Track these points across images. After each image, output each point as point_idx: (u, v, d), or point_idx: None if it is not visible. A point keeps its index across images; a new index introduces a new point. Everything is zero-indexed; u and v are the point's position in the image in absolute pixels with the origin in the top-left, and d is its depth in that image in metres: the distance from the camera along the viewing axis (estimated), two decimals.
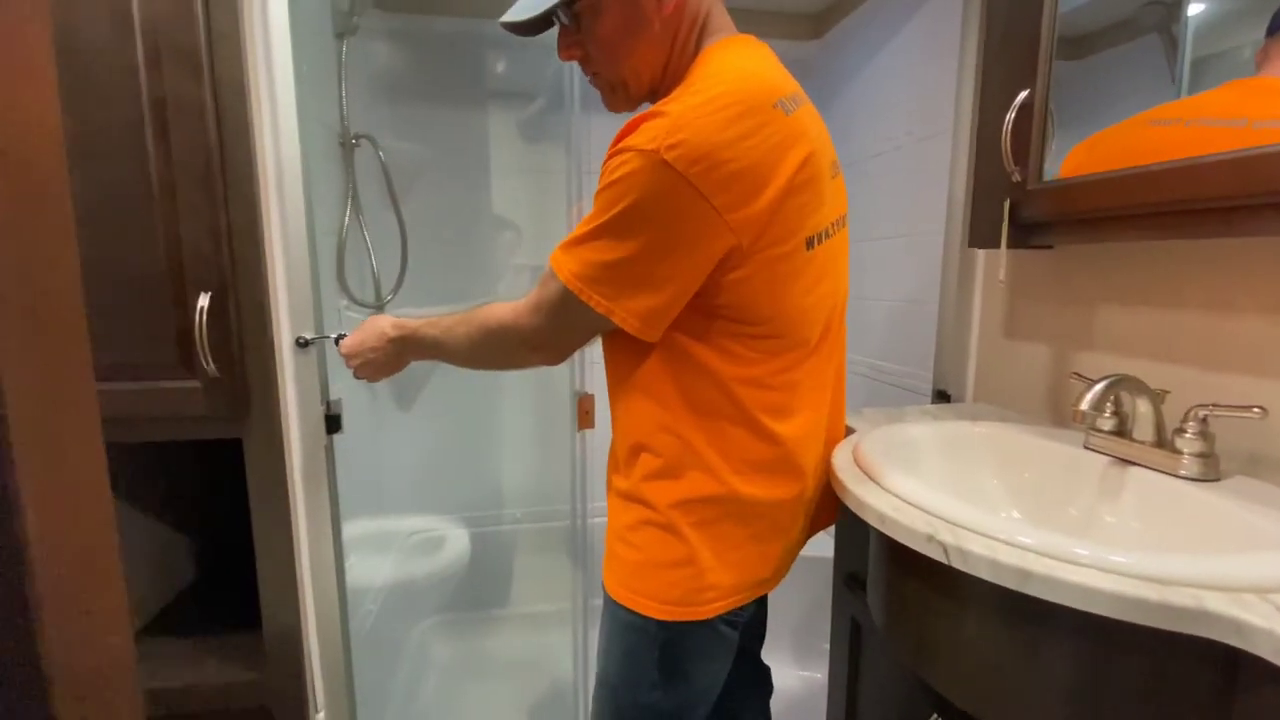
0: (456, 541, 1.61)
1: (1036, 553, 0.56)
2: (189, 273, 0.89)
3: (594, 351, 1.61)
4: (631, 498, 0.75)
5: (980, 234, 0.99)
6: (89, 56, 0.82)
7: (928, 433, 0.93)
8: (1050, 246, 0.97)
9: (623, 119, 0.67)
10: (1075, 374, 0.85)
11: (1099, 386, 0.75)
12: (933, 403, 1.28)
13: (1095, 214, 0.79)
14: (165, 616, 1.17)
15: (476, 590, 1.69)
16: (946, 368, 1.24)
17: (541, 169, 1.67)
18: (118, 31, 0.82)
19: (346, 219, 1.33)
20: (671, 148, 0.59)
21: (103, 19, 0.81)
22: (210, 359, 0.89)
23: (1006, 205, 0.89)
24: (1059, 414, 1.00)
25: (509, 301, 0.74)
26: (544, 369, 0.79)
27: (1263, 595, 0.50)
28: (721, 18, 0.72)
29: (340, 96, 1.33)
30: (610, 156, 0.65)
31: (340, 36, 1.31)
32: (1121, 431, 0.79)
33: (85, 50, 0.82)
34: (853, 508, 0.74)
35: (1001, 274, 0.91)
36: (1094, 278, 0.93)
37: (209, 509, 1.31)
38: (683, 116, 0.60)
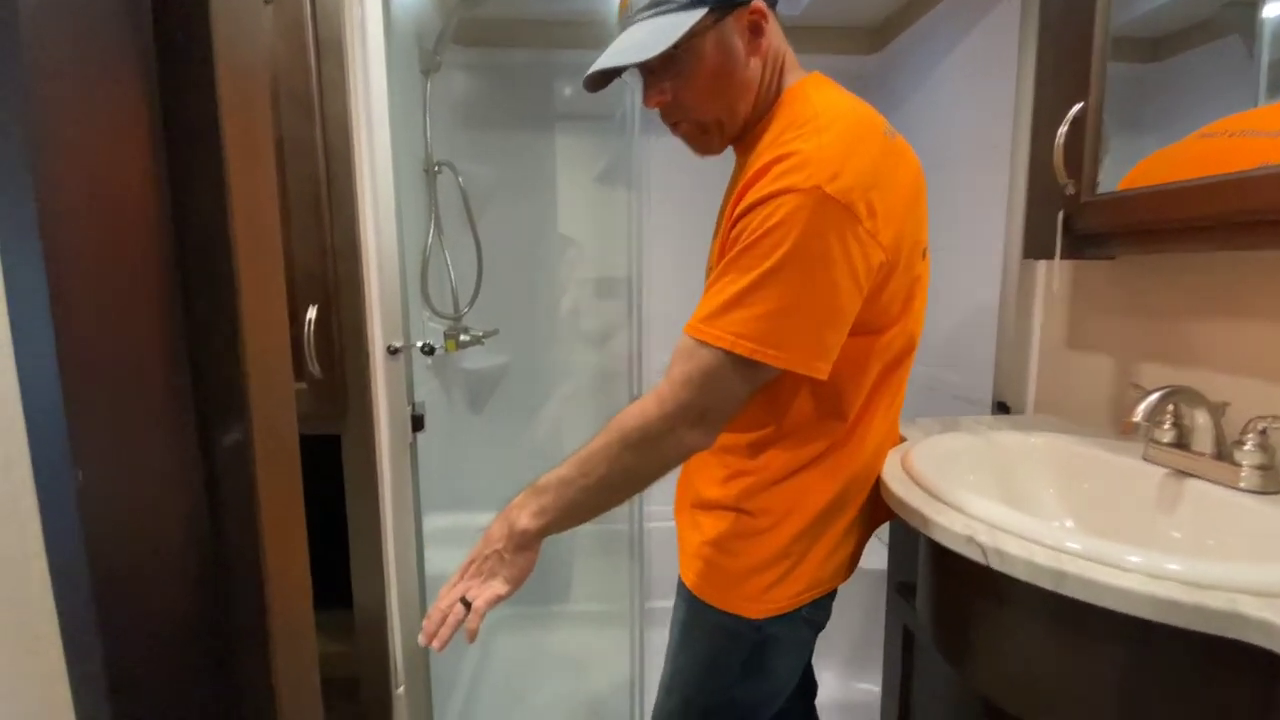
0: None
1: (1072, 554, 0.58)
2: (300, 288, 1.02)
3: (651, 359, 1.68)
4: (732, 507, 0.79)
5: (1036, 245, 1.00)
6: None
7: (979, 443, 0.94)
8: (1112, 257, 0.97)
9: (676, 150, 0.74)
10: (1134, 384, 0.85)
11: (1152, 398, 0.75)
12: (992, 414, 1.27)
13: (1151, 225, 0.79)
14: None
15: (539, 586, 1.78)
16: (1006, 379, 1.23)
17: (603, 188, 1.76)
18: None
19: (429, 239, 1.46)
20: (832, 179, 0.62)
21: None
22: (316, 363, 1.02)
23: (1060, 217, 0.90)
24: (1121, 424, 0.98)
25: (629, 407, 0.69)
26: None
27: None
28: (794, 59, 0.78)
29: (425, 128, 1.47)
30: (752, 208, 0.65)
31: (425, 73, 1.45)
32: (1180, 443, 0.78)
33: None
34: (896, 510, 0.77)
35: (1055, 284, 0.92)
36: (1157, 287, 0.92)
37: (308, 498, 1.45)
38: (824, 151, 0.63)
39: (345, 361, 1.06)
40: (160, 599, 0.24)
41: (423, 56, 1.45)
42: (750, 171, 0.67)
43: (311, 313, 1.01)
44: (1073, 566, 0.56)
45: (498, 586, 0.70)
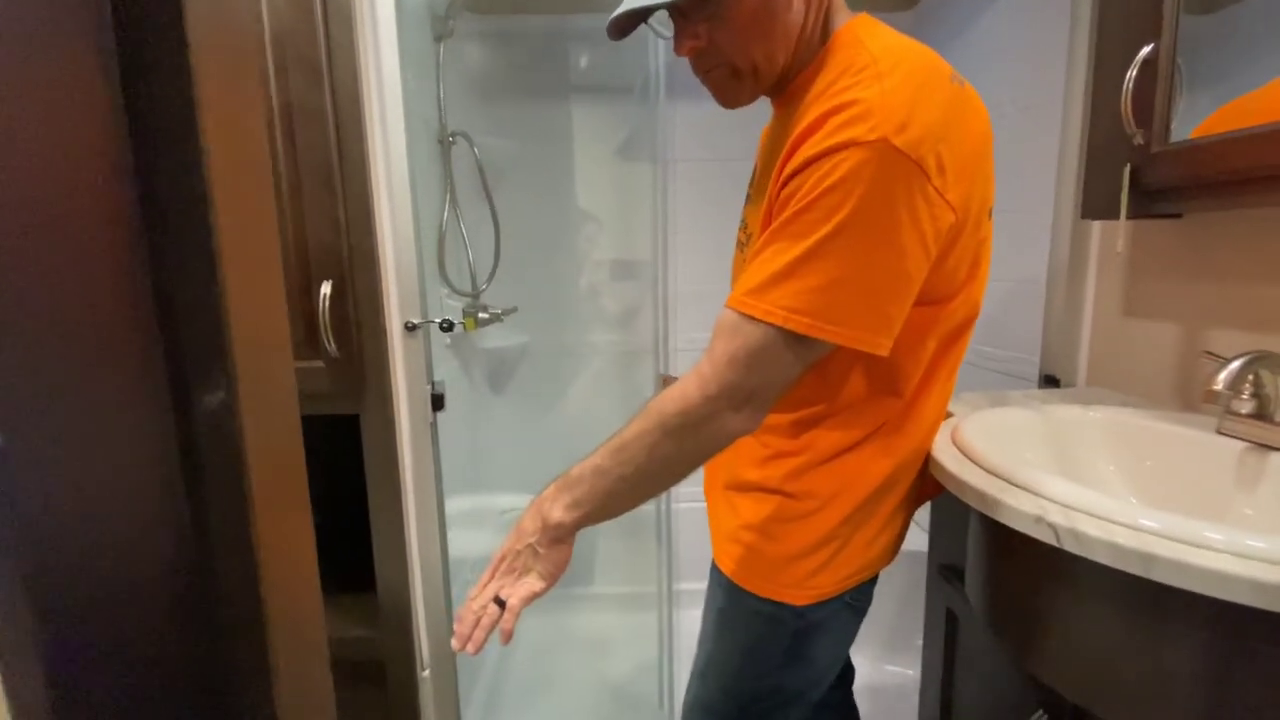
0: None
1: (1159, 535, 0.53)
2: (314, 263, 0.98)
3: (677, 338, 1.63)
4: (774, 490, 0.74)
5: (1095, 204, 0.92)
6: None
7: (1034, 417, 0.88)
8: (1178, 215, 0.89)
9: (711, 111, 0.67)
10: (1208, 353, 0.78)
11: (1235, 364, 0.69)
12: (1040, 388, 1.20)
13: (1231, 177, 0.72)
14: None
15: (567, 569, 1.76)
16: (1055, 351, 1.17)
17: (625, 160, 1.70)
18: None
19: (445, 213, 1.41)
20: (900, 130, 0.55)
21: None
22: (332, 341, 0.98)
23: (1127, 171, 0.83)
24: (1187, 398, 0.92)
25: (668, 388, 0.63)
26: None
27: None
28: None
29: (438, 96, 1.41)
30: (808, 165, 0.58)
31: (438, 40, 1.39)
32: (1262, 415, 0.72)
33: None
34: (952, 489, 0.72)
35: (1120, 244, 0.85)
36: (1230, 247, 0.85)
37: (329, 480, 1.43)
38: (890, 99, 0.56)
39: (362, 339, 1.03)
40: (119, 592, 0.20)
41: (434, 22, 1.39)
42: (802, 124, 0.60)
43: (326, 288, 0.97)
44: (1162, 549, 0.51)
45: (533, 583, 0.66)
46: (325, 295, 0.97)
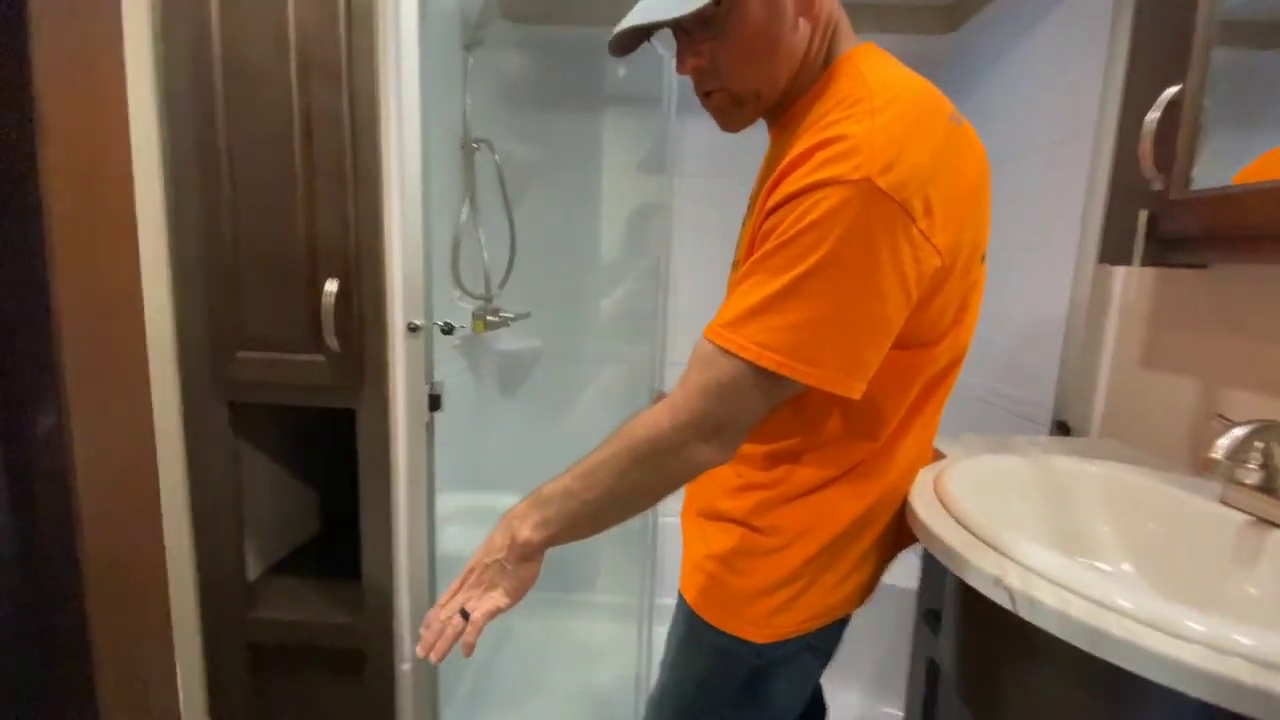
0: None
1: (1118, 612, 0.50)
2: (322, 260, 1.02)
3: (674, 352, 1.62)
4: (741, 522, 0.73)
5: (1113, 248, 0.88)
6: (254, 72, 0.96)
7: (1028, 467, 0.84)
8: (1204, 265, 0.84)
9: (718, 136, 0.66)
10: (1219, 416, 0.73)
11: (1239, 432, 0.65)
12: (1050, 434, 1.15)
13: (1250, 232, 0.67)
14: (290, 560, 1.35)
15: (553, 573, 1.77)
16: (1069, 396, 1.11)
17: (645, 173, 1.70)
18: (277, 50, 0.95)
19: (464, 216, 1.44)
20: (885, 171, 0.53)
21: (267, 38, 0.95)
22: (334, 337, 1.01)
23: (1143, 217, 0.78)
24: (1200, 459, 0.86)
25: (639, 414, 0.63)
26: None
27: None
28: (847, 25, 0.68)
29: (464, 103, 1.45)
30: (790, 200, 0.57)
31: (468, 48, 1.42)
32: (1268, 487, 0.67)
33: (251, 68, 0.96)
34: (922, 539, 0.69)
35: (1132, 294, 0.80)
36: (1256, 304, 0.79)
37: (336, 472, 1.48)
38: (878, 136, 0.55)
39: (364, 337, 1.06)
40: None
41: (465, 30, 1.43)
42: (790, 155, 0.58)
43: (331, 286, 1.01)
44: (1117, 627, 0.48)
45: (498, 598, 0.66)
46: (331, 292, 1.00)
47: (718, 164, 1.70)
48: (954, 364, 0.73)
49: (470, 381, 1.66)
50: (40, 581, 0.21)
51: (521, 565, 0.66)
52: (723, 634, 0.73)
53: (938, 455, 0.93)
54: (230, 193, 1.00)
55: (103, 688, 0.22)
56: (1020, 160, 1.38)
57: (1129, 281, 1.01)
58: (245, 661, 1.17)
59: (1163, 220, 0.77)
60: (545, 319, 1.70)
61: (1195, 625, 0.46)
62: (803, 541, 0.71)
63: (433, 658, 0.66)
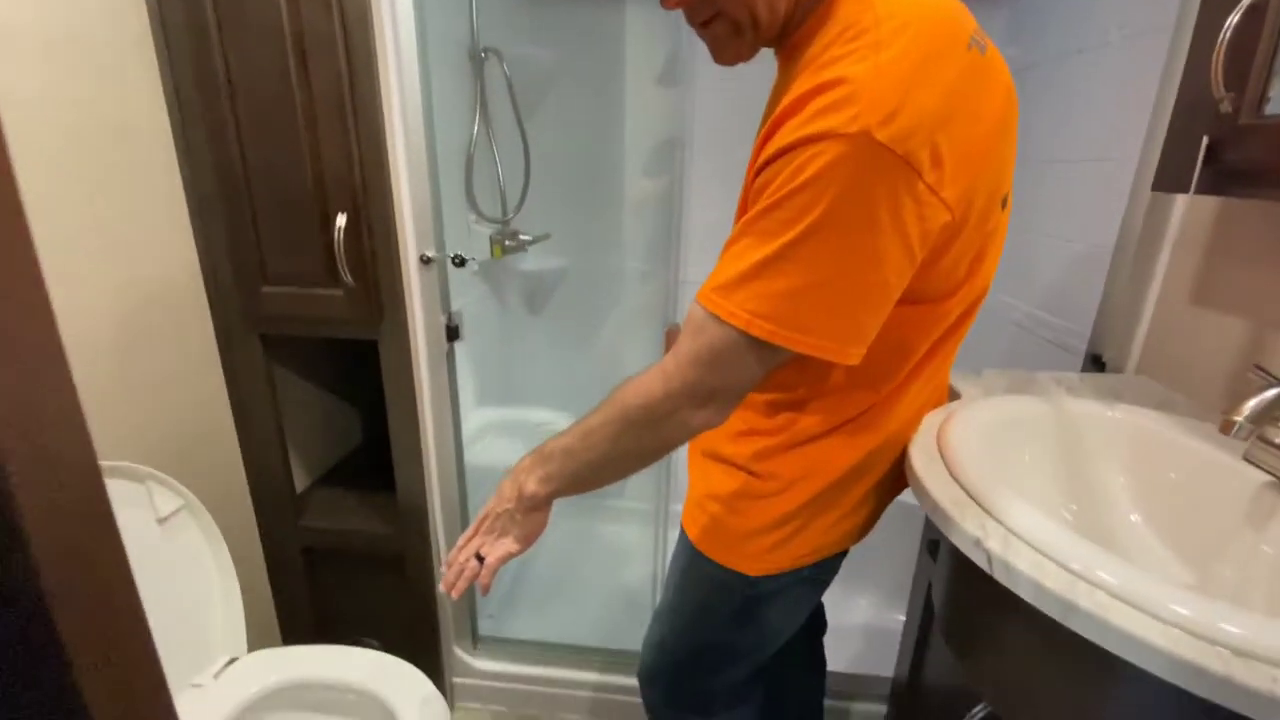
0: None
1: (1094, 584, 0.49)
2: (330, 193, 1.01)
3: (689, 270, 1.57)
4: (740, 466, 0.74)
5: (1168, 174, 0.79)
6: None
7: (1045, 411, 0.81)
8: (1272, 199, 0.75)
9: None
10: (1257, 367, 0.68)
11: (1270, 394, 0.60)
12: (1083, 369, 1.10)
13: None
14: (335, 471, 1.45)
15: None
16: (1108, 329, 1.05)
17: (663, 83, 1.58)
18: None
19: (475, 132, 1.39)
20: (885, 122, 0.48)
21: None
22: (348, 272, 1.03)
23: (1204, 143, 0.69)
24: (1222, 418, 0.81)
25: (633, 378, 0.62)
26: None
27: None
28: None
29: (471, 9, 1.35)
30: (782, 154, 0.52)
31: None
32: None
33: None
34: (914, 491, 0.69)
35: (1190, 225, 0.73)
36: None
37: (374, 388, 1.55)
38: (879, 80, 0.49)
39: (378, 270, 1.07)
40: None
41: None
42: (786, 101, 0.53)
43: (340, 220, 1.01)
44: (1087, 600, 0.48)
45: (509, 545, 0.71)
46: (340, 227, 1.01)
47: (736, 74, 1.56)
48: (969, 312, 0.69)
49: (494, 304, 1.67)
50: None
51: (530, 515, 0.70)
52: (721, 567, 0.77)
53: (953, 395, 0.91)
54: (235, 127, 0.99)
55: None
56: (1086, 56, 1.22)
57: (1189, 211, 0.91)
58: (300, 564, 1.30)
59: (1228, 147, 0.68)
60: (566, 239, 1.67)
61: (1179, 608, 0.46)
62: (800, 487, 0.72)
63: (453, 595, 0.73)
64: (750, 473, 0.74)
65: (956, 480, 0.65)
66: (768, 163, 0.54)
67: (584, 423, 0.65)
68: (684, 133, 1.36)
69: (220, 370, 1.15)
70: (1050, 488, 0.76)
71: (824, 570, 0.80)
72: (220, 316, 1.12)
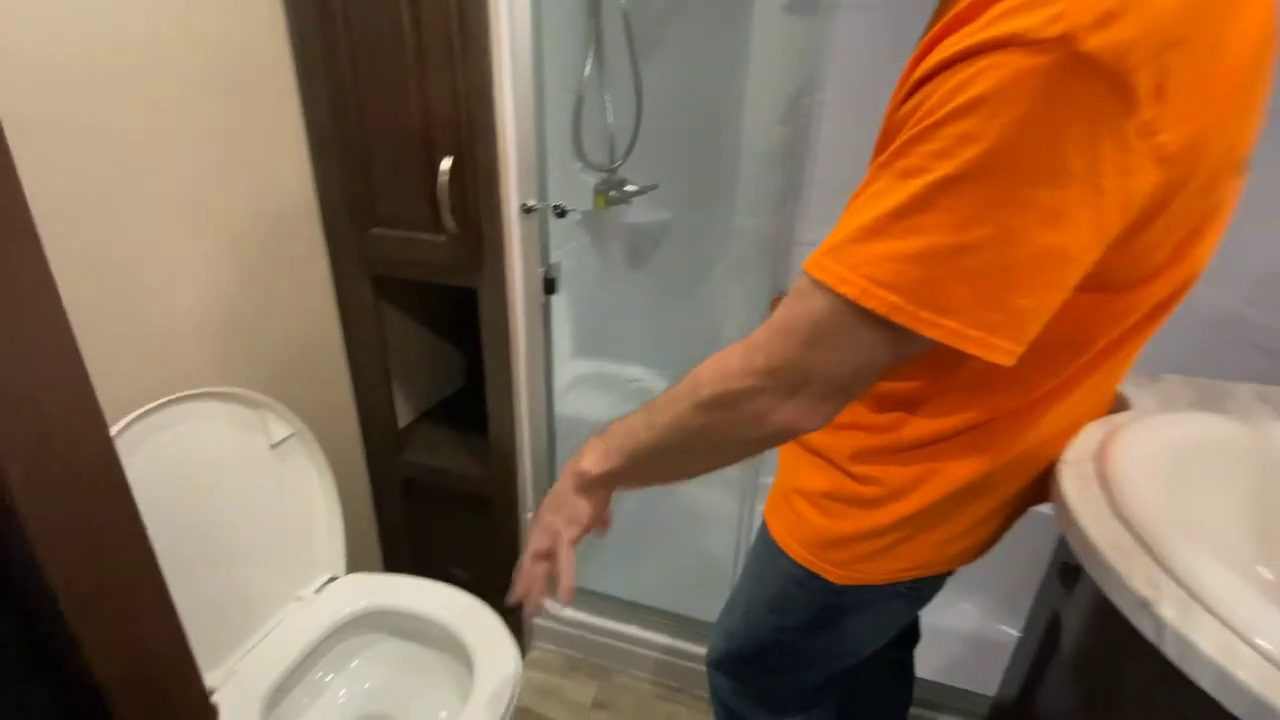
0: None
1: None
2: (437, 136, 0.99)
3: (804, 231, 1.44)
4: (836, 464, 0.65)
5: None
6: None
7: (1242, 437, 0.65)
8: None
9: None
10: None
11: None
12: None
13: None
14: (436, 410, 1.51)
15: None
16: None
17: (793, 11, 1.40)
18: None
19: (587, 73, 1.31)
20: (1100, 25, 0.35)
21: None
22: (451, 218, 1.02)
23: None
24: None
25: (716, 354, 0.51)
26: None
27: None
28: None
29: None
30: (942, 70, 0.39)
31: None
32: None
33: None
34: (1060, 523, 0.58)
35: None
36: None
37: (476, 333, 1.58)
38: None
39: (481, 217, 1.05)
40: None
41: None
42: (959, 5, 0.40)
43: (445, 164, 0.99)
44: None
45: (562, 528, 0.64)
46: (444, 171, 0.99)
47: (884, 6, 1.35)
48: (1165, 306, 0.53)
49: (595, 255, 1.63)
50: None
51: (580, 496, 0.63)
52: (800, 566, 0.70)
53: (1120, 404, 0.75)
54: (350, 62, 0.98)
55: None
56: None
57: None
58: (400, 495, 1.37)
59: None
60: (673, 190, 1.58)
61: None
62: (904, 499, 0.62)
63: (526, 610, 0.67)
64: (846, 473, 0.65)
65: (1121, 518, 0.53)
66: (922, 81, 0.41)
67: (659, 398, 0.55)
68: (817, 71, 1.20)
69: (335, 307, 1.20)
70: (1246, 540, 0.61)
71: (924, 587, 0.71)
72: (335, 254, 1.16)
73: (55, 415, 0.24)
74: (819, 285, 0.44)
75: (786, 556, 0.71)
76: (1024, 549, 0.95)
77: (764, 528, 0.76)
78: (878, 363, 0.45)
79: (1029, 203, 0.38)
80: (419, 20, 0.92)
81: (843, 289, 0.42)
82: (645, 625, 1.41)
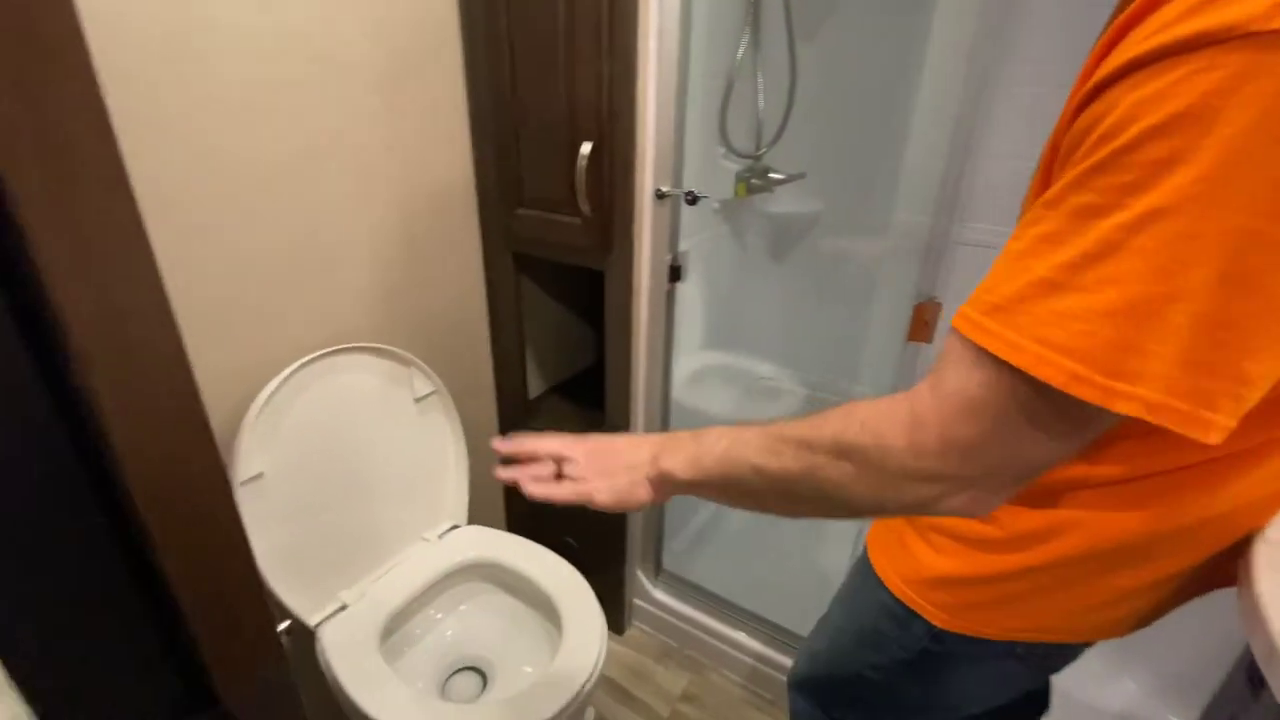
0: (790, 398, 1.65)
1: None
2: (580, 120, 1.02)
3: (969, 230, 1.29)
4: None
5: None
6: None
7: None
8: None
9: None
10: None
11: None
12: None
13: None
14: (567, 384, 1.58)
15: None
16: None
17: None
18: None
19: (740, 55, 1.26)
20: None
21: None
22: (586, 202, 1.05)
23: None
24: None
25: (873, 400, 0.44)
26: None
27: None
28: None
29: None
30: (1123, 77, 0.32)
31: None
32: None
33: None
34: (1245, 626, 0.46)
35: None
36: None
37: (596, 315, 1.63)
38: None
39: (615, 202, 1.07)
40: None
41: None
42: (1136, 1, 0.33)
43: (585, 148, 1.01)
44: None
45: (601, 493, 0.57)
46: (584, 155, 1.02)
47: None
48: None
49: (733, 245, 1.59)
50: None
51: (644, 485, 0.56)
52: (900, 602, 0.63)
53: None
54: (509, 51, 1.04)
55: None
56: None
57: None
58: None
59: None
60: (823, 180, 1.49)
61: None
62: (1028, 548, 0.53)
63: (500, 473, 0.62)
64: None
65: None
66: (1101, 88, 0.34)
67: (782, 427, 0.49)
68: (1001, 48, 1.04)
69: (482, 281, 1.30)
70: None
71: (1049, 655, 0.61)
72: (485, 232, 1.25)
73: (136, 337, 0.28)
74: (978, 352, 0.37)
75: (885, 589, 0.65)
76: (1216, 622, 0.77)
77: (864, 554, 0.70)
78: (1065, 446, 0.38)
79: (1260, 239, 0.30)
80: (573, 9, 0.95)
81: (1014, 359, 0.35)
82: (744, 629, 1.38)
